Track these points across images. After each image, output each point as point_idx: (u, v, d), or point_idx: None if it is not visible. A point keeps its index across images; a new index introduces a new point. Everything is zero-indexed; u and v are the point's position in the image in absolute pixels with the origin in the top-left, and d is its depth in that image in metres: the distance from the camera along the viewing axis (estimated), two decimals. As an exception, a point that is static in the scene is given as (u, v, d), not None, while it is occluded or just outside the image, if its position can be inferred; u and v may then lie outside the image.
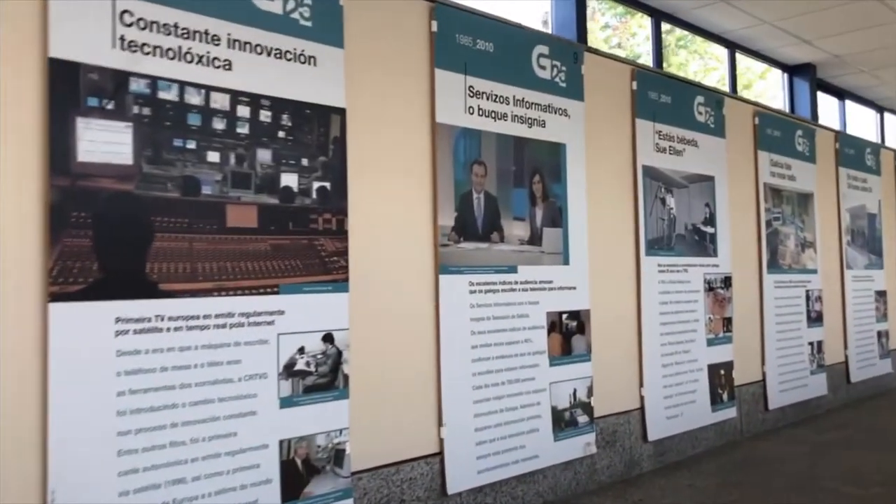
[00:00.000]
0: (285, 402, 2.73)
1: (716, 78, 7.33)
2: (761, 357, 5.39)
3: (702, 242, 4.88)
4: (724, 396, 4.94)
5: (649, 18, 6.22)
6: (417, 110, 3.30)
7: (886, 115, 9.05)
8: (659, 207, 4.57)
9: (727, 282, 5.02)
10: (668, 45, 6.56)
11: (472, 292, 3.43)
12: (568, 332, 3.90)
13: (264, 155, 2.72)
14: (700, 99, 4.93)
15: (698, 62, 8.30)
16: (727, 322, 5.00)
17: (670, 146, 4.66)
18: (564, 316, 3.88)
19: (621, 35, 8.45)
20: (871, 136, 8.87)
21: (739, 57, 7.09)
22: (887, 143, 8.55)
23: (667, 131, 4.63)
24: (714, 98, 5.06)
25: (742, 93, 7.13)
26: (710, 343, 4.85)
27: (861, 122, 9.03)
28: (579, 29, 5.33)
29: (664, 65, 6.40)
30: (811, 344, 5.93)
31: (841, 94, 8.16)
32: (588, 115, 4.09)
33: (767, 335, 5.45)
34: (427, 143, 3.32)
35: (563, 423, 3.81)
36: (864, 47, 6.82)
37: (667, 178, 4.64)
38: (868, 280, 6.94)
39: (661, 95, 4.63)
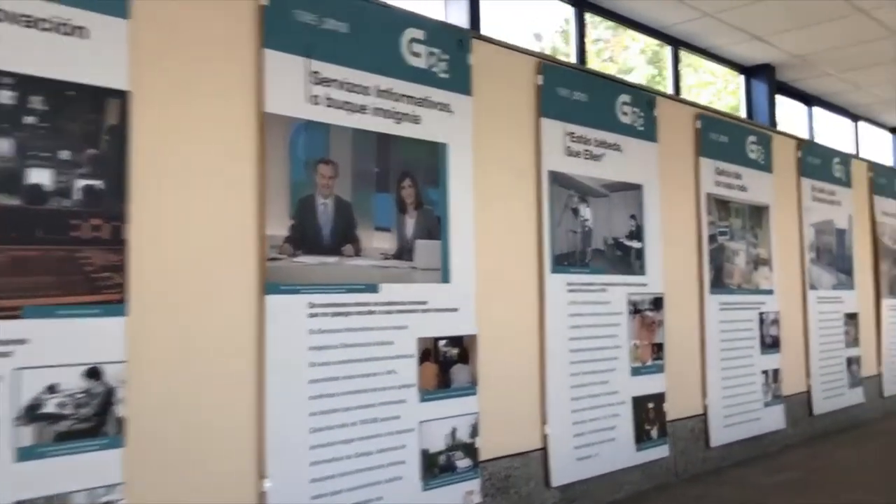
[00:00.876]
0: (25, 454, 2.20)
1: (711, 92, 6.89)
2: (702, 388, 4.84)
3: (626, 259, 4.35)
4: (654, 433, 4.39)
5: (572, 8, 5.69)
6: (239, 98, 2.78)
7: (863, 123, 8.51)
8: (570, 218, 4.04)
9: (657, 303, 4.48)
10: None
11: (312, 316, 2.90)
12: (446, 362, 3.36)
13: (1, 145, 2.21)
14: (625, 98, 4.41)
15: (692, 77, 7.84)
16: (657, 348, 4.45)
17: (586, 150, 4.13)
18: (442, 343, 3.35)
19: (614, 48, 8.00)
20: (847, 146, 8.34)
21: (694, 58, 6.60)
22: (862, 155, 8.01)
23: (581, 133, 4.11)
24: (643, 98, 4.55)
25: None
26: (636, 372, 4.31)
27: (836, 132, 8.52)
28: (472, 15, 4.82)
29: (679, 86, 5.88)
30: (765, 372, 5.37)
31: (808, 99, 7.63)
32: (478, 111, 3.58)
33: (710, 363, 4.89)
34: (252, 137, 2.80)
35: (436, 468, 3.27)
36: (825, 46, 6.30)
37: (581, 186, 4.11)
38: (836, 301, 6.38)
39: (575, 92, 4.11)
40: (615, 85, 4.42)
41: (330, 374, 2.94)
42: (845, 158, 6.73)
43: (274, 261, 2.81)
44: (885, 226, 7.31)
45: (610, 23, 6.13)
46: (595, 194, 4.19)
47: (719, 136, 5.16)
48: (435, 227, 3.37)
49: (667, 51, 6.41)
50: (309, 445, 2.86)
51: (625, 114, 4.40)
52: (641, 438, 4.30)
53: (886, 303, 7.16)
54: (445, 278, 3.38)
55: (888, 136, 8.77)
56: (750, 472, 4.80)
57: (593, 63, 7.20)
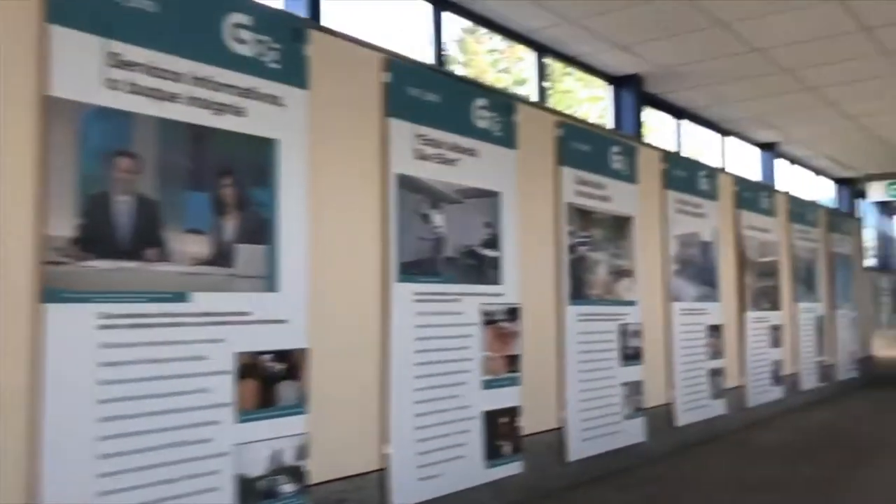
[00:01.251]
0: None
1: (602, 106, 6.83)
2: (560, 401, 4.72)
3: (480, 268, 4.18)
4: (506, 448, 4.23)
5: (430, 5, 5.53)
6: (17, 79, 2.44)
7: (732, 139, 8.73)
8: (419, 225, 3.83)
9: (513, 314, 4.33)
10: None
11: (104, 327, 2.58)
12: (271, 378, 3.09)
13: None
14: (482, 102, 4.26)
15: (584, 90, 7.83)
16: (512, 360, 4.30)
17: (438, 153, 3.95)
18: (266, 357, 3.07)
19: (508, 59, 7.90)
20: (717, 161, 8.53)
21: (564, 68, 6.55)
22: (731, 169, 8.19)
23: (434, 136, 3.92)
24: (502, 102, 4.41)
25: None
26: (488, 386, 4.14)
27: (707, 146, 8.71)
28: (313, 6, 4.58)
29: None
30: (626, 384, 5.32)
31: (678, 112, 7.75)
32: (317, 107, 3.33)
33: (568, 375, 4.79)
34: (29, 122, 2.46)
35: (255, 495, 2.98)
36: (689, 58, 6.37)
37: (433, 191, 3.92)
38: (700, 313, 6.44)
39: (427, 93, 3.92)
40: (471, 88, 4.27)
41: (125, 393, 2.62)
42: (711, 172, 6.83)
43: (55, 265, 2.47)
44: (750, 239, 7.48)
45: (486, 30, 6.02)
46: (448, 200, 4.00)
47: (581, 146, 5.08)
48: (261, 231, 3.09)
49: (532, 56, 6.33)
50: (97, 473, 2.53)
51: (482, 118, 4.24)
52: (493, 455, 4.13)
53: (750, 315, 7.31)
54: (273, 287, 3.11)
55: (757, 151, 9.06)
56: (607, 487, 4.71)
57: (488, 75, 7.11)
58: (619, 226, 5.42)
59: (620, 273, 5.39)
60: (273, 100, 3.17)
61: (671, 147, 7.72)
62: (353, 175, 3.54)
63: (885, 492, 4.57)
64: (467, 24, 5.84)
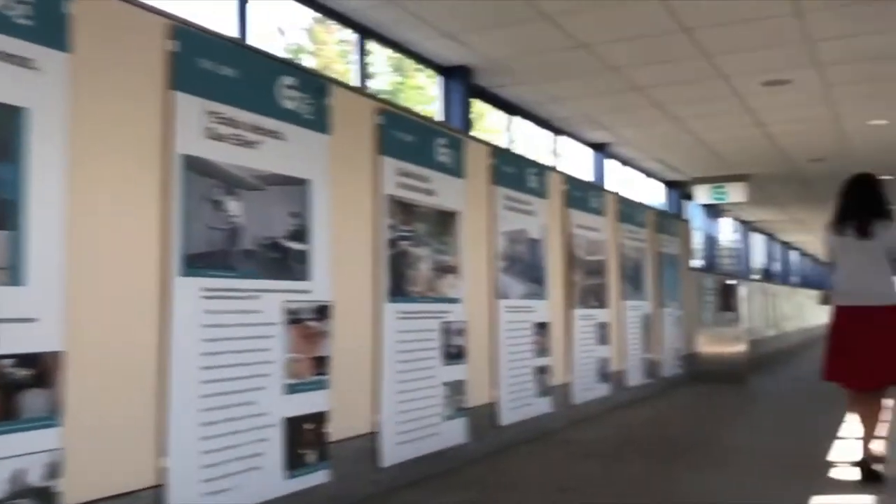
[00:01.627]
0: None
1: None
2: (375, 404, 4.49)
3: (285, 262, 3.86)
4: (311, 457, 3.94)
5: None
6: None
7: (565, 138, 8.83)
8: (210, 213, 3.47)
9: (323, 312, 4.04)
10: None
11: None
12: (13, 386, 2.64)
13: None
14: (289, 80, 3.94)
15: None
16: (320, 362, 4.01)
17: (235, 134, 3.60)
18: (7, 362, 2.62)
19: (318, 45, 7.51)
20: (549, 159, 8.59)
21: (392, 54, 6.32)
22: (563, 168, 8.27)
23: (230, 114, 3.57)
24: (312, 83, 4.11)
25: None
26: (292, 390, 3.83)
27: (540, 144, 8.76)
28: None
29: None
30: (448, 384, 5.16)
31: (511, 108, 7.72)
32: (80, 73, 2.90)
33: (385, 376, 4.56)
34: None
35: (-14, 524, 2.54)
36: (516, 51, 6.31)
37: (228, 176, 3.56)
38: (527, 311, 6.40)
39: (223, 67, 3.56)
40: (276, 64, 3.94)
41: None
42: (541, 170, 6.83)
43: None
44: (580, 238, 7.56)
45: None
46: (246, 186, 3.66)
47: (404, 135, 4.87)
48: (3, 214, 2.64)
49: (354, 39, 6.07)
50: None
51: (289, 98, 3.93)
52: (295, 464, 3.83)
53: (578, 312, 7.38)
54: (17, 280, 2.67)
55: (589, 151, 9.24)
56: (422, 492, 4.52)
57: (336, 66, 6.77)
58: (444, 221, 5.25)
59: (445, 269, 5.23)
60: (22, 61, 2.72)
61: (504, 143, 7.68)
62: (127, 153, 3.13)
63: (698, 488, 4.63)
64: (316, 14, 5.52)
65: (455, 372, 5.24)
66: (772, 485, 4.71)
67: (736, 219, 17.09)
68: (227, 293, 3.52)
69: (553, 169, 7.24)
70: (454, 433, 5.20)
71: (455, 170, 5.40)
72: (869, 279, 4.83)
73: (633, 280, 9.10)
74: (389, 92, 7.69)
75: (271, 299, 3.75)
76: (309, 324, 3.96)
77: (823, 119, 7.89)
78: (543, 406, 6.55)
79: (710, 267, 15.35)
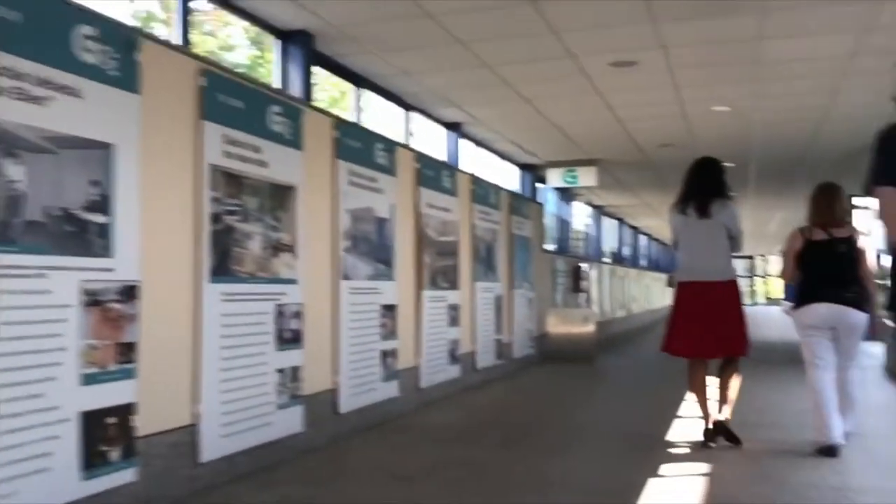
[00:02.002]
0: None
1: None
2: (194, 393, 4.10)
3: (82, 236, 3.40)
4: (114, 454, 3.51)
5: None
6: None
7: (418, 115, 8.61)
8: (-18, 177, 2.98)
9: (129, 293, 3.61)
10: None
11: None
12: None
13: None
14: (89, 30, 3.46)
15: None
16: (125, 349, 3.59)
17: (17, 88, 3.10)
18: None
19: (214, 22, 6.88)
20: (402, 136, 8.35)
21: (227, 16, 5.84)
22: (416, 146, 8.05)
23: (8, 63, 3.07)
24: (118, 35, 3.64)
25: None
26: (90, 381, 3.39)
27: (392, 120, 8.50)
28: None
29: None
30: (282, 371, 4.83)
31: (357, 79, 7.40)
32: None
33: (207, 363, 4.18)
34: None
35: None
36: (360, 17, 5.98)
37: (6, 136, 3.07)
38: (373, 293, 6.14)
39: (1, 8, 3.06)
40: (73, 10, 3.44)
41: None
42: (390, 146, 6.56)
43: None
44: (431, 218, 7.37)
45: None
46: (32, 149, 3.18)
47: (231, 100, 4.46)
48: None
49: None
50: None
51: (88, 50, 3.45)
52: (93, 463, 3.40)
53: (428, 294, 7.20)
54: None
55: (443, 130, 9.07)
56: (246, 487, 4.18)
57: (193, 36, 6.17)
58: (280, 195, 4.90)
59: (279, 248, 4.87)
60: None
61: (353, 117, 7.35)
62: None
63: (539, 472, 4.54)
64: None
65: (290, 357, 4.91)
66: (612, 465, 4.70)
67: (588, 203, 17.54)
68: (6, 270, 3.04)
69: (403, 145, 6.99)
70: (289, 422, 4.88)
71: (292, 141, 5.04)
72: (709, 256, 5.08)
73: (485, 262, 9.03)
74: (248, 66, 7.21)
75: (64, 278, 3.29)
76: (112, 306, 3.52)
77: (670, 103, 8.06)
78: (389, 391, 6.32)
79: (563, 250, 15.66)
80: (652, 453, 4.95)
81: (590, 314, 11.54)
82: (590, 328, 11.34)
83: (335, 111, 6.23)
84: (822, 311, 4.95)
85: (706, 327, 5.02)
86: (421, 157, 7.28)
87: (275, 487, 4.19)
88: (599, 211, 19.98)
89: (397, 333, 6.49)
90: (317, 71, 6.92)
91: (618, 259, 23.34)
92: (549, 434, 5.75)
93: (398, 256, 6.58)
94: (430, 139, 9.63)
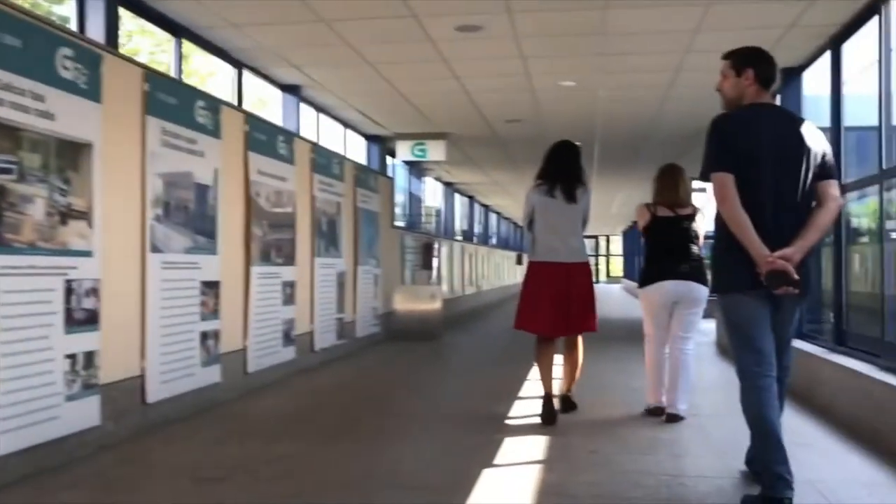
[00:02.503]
0: None
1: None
2: (-52, 387, 3.39)
3: None
4: None
5: None
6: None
7: (251, 74, 7.94)
8: None
9: None
10: None
11: None
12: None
13: None
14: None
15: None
16: None
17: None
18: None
19: None
20: (232, 96, 7.67)
21: None
22: (240, 107, 7.40)
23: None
24: None
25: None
26: None
27: (223, 78, 7.80)
28: None
29: None
30: (73, 357, 4.17)
31: (176, 29, 6.66)
32: None
33: (-34, 351, 3.47)
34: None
35: None
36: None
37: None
38: (191, 268, 5.52)
39: None
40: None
41: None
42: (214, 104, 5.91)
43: None
44: (262, 186, 6.79)
45: None
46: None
47: (4, 36, 3.73)
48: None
49: None
50: None
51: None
52: None
53: (258, 270, 6.64)
54: None
55: (279, 93, 8.44)
56: (15, 497, 3.52)
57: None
58: (70, 153, 4.20)
59: (69, 214, 4.18)
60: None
61: (170, 70, 6.62)
62: None
63: (363, 466, 4.14)
64: None
65: (83, 341, 4.25)
66: (446, 454, 4.38)
67: (439, 179, 17.31)
68: None
69: (230, 105, 6.35)
70: (81, 415, 4.23)
71: (88, 91, 4.33)
72: (570, 238, 5.24)
73: (327, 236, 8.53)
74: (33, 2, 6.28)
75: None
76: None
77: (517, 75, 7.83)
78: (210, 376, 5.74)
79: (413, 226, 15.36)
80: (489, 438, 4.68)
81: (436, 291, 11.29)
82: (436, 305, 11.09)
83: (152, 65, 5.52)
84: (667, 287, 5.21)
85: (561, 306, 5.15)
86: (251, 119, 6.67)
87: (52, 494, 3.57)
88: (451, 188, 19.83)
89: (220, 313, 5.90)
90: (126, 15, 6.14)
91: (469, 237, 23.37)
92: (383, 420, 5.37)
93: (223, 228, 5.97)
94: (266, 101, 8.97)
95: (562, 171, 5.29)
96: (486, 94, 8.95)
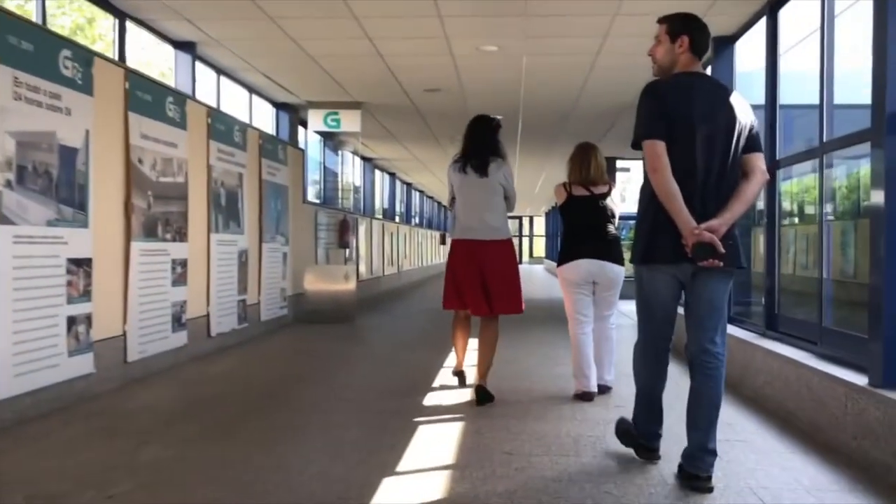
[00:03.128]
0: None
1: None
2: None
3: None
4: None
5: None
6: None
7: (136, 26, 7.12)
8: None
9: None
10: None
11: None
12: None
13: None
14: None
15: None
16: None
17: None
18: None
19: None
20: (109, 49, 6.85)
21: None
22: (119, 61, 6.60)
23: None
24: None
25: None
26: None
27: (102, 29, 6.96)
28: None
29: None
30: None
31: (40, -31, 5.84)
32: None
33: None
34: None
35: None
36: None
37: None
38: (54, 242, 4.80)
39: None
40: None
41: None
42: (84, 57, 5.14)
43: None
44: (146, 152, 6.05)
45: None
46: None
47: None
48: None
49: None
50: None
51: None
52: None
53: (140, 246, 5.92)
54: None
55: (171, 49, 7.63)
56: None
57: None
58: None
59: None
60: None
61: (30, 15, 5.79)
62: None
63: (245, 474, 3.56)
64: None
65: None
66: (343, 457, 3.82)
67: (356, 153, 16.55)
68: None
69: (105, 57, 5.57)
70: None
71: None
72: (485, 215, 5.10)
73: (226, 210, 7.82)
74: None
75: None
76: None
77: (435, 38, 7.25)
78: (80, 367, 5.04)
79: (328, 202, 14.67)
80: (394, 438, 4.16)
81: (350, 271, 10.66)
82: (350, 286, 10.48)
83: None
84: (584, 266, 5.19)
85: (479, 285, 5.07)
86: (133, 77, 5.91)
87: None
88: (371, 164, 19.12)
89: (93, 294, 5.19)
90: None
91: (390, 215, 22.74)
92: (277, 415, 4.78)
93: (96, 198, 5.24)
94: (157, 60, 8.13)
95: (475, 145, 5.20)
96: (403, 59, 8.34)
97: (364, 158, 18.31)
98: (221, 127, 7.68)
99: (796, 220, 6.45)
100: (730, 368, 5.01)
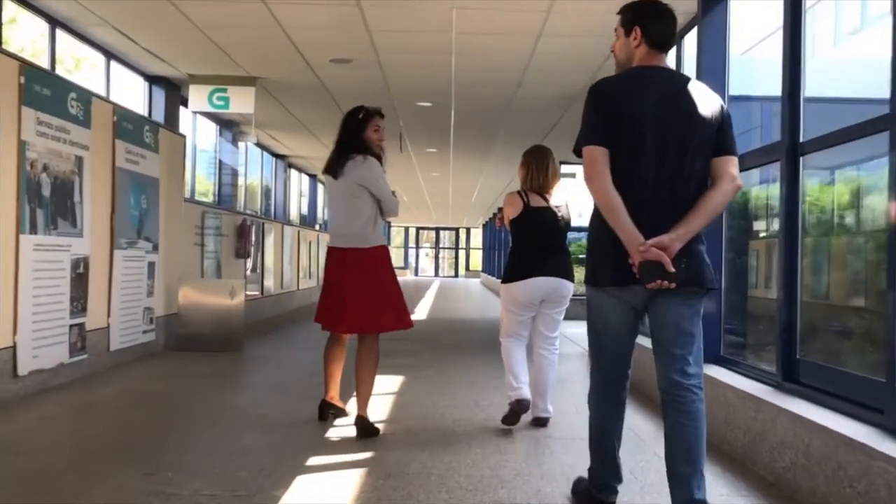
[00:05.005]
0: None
1: None
2: None
3: None
4: None
5: None
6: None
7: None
8: None
9: None
10: None
11: None
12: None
13: None
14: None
15: None
16: None
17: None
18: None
19: None
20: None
21: None
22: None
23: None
24: None
25: None
26: None
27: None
28: None
29: None
30: None
31: None
32: None
33: None
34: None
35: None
36: None
37: None
38: None
39: None
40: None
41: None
42: None
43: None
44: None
45: None
46: None
47: None
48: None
49: None
50: None
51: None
52: None
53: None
54: None
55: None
56: None
57: None
58: None
59: None
60: None
61: None
62: None
63: None
64: None
65: None
66: None
67: (261, 146, 14.64)
68: None
69: None
70: None
71: None
72: (345, 219, 4.73)
73: (52, 204, 5.94)
74: None
75: None
76: None
77: (346, 5, 5.71)
78: None
79: (227, 203, 12.83)
80: None
81: (237, 286, 8.79)
82: (236, 304, 8.62)
83: None
84: (537, 284, 4.84)
85: (340, 298, 4.67)
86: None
87: None
88: (285, 162, 17.28)
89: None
90: None
91: (310, 221, 20.93)
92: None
93: None
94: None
95: (338, 143, 4.77)
96: (300, 19, 6.67)
97: (277, 155, 16.49)
98: (45, 91, 5.81)
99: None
100: (732, 434, 4.00)
